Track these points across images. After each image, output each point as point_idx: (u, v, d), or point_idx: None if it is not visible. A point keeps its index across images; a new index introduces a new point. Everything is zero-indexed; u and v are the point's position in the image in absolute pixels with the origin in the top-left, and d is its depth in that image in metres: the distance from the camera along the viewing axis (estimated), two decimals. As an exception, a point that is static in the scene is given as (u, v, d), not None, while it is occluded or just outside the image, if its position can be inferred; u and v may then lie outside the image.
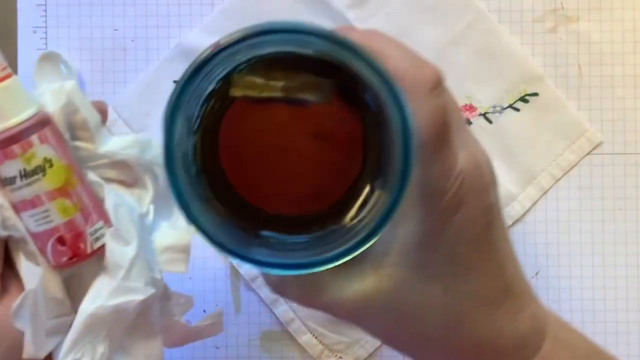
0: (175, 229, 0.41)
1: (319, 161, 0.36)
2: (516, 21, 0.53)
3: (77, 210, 0.37)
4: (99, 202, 0.39)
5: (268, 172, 0.35)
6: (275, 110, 0.35)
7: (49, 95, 0.38)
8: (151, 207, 0.40)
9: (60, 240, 0.37)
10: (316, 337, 0.53)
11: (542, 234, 0.53)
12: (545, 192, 0.53)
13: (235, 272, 0.53)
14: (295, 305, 0.53)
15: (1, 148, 0.36)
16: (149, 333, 0.40)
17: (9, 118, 0.36)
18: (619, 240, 0.53)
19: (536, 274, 0.53)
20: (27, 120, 0.36)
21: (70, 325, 0.38)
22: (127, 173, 0.40)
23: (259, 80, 0.34)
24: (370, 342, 0.53)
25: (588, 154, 0.53)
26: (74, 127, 0.39)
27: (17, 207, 0.37)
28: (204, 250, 0.53)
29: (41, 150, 0.36)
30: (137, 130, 0.53)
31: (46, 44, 0.54)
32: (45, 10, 0.54)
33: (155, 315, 0.40)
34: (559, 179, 0.53)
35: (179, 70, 0.54)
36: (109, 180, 0.40)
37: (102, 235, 0.38)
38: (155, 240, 0.40)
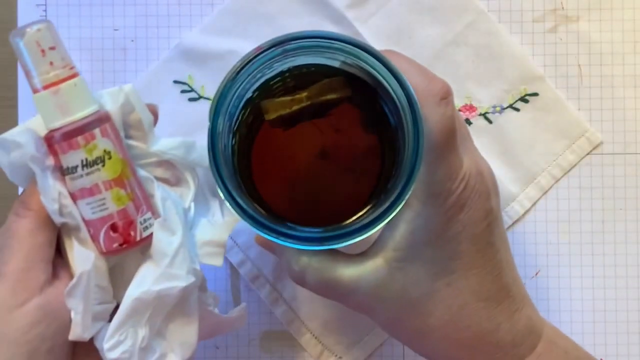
0: (213, 226, 0.44)
1: (339, 184, 0.40)
2: (516, 21, 0.53)
3: (130, 200, 0.40)
4: (147, 195, 0.42)
5: (292, 192, 0.40)
6: (301, 134, 0.40)
7: (108, 95, 0.41)
8: (192, 205, 0.43)
9: (114, 227, 0.40)
10: (316, 337, 0.53)
11: (542, 234, 0.53)
12: (545, 192, 0.53)
13: (235, 273, 0.53)
14: (295, 305, 0.53)
15: (67, 139, 0.39)
16: (186, 321, 0.42)
17: (75, 112, 0.39)
18: (619, 240, 0.53)
19: (536, 274, 0.53)
20: (90, 115, 0.40)
21: (110, 313, 0.41)
22: (171, 172, 0.43)
23: (285, 99, 0.39)
24: (369, 343, 0.53)
25: (588, 154, 0.53)
26: (128, 126, 0.42)
27: (76, 195, 0.40)
28: (204, 250, 0.53)
29: (102, 143, 0.39)
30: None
31: (46, 44, 0.54)
32: (45, 10, 0.54)
33: (193, 303, 0.42)
34: (559, 179, 0.53)
35: (179, 70, 0.55)
36: (155, 178, 0.43)
37: (150, 225, 0.41)
38: (195, 235, 0.43)
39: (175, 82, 0.53)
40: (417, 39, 0.53)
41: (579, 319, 0.53)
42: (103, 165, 0.39)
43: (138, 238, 0.40)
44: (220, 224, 0.44)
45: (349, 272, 0.39)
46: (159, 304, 0.40)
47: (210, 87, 0.53)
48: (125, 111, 0.41)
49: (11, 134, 0.40)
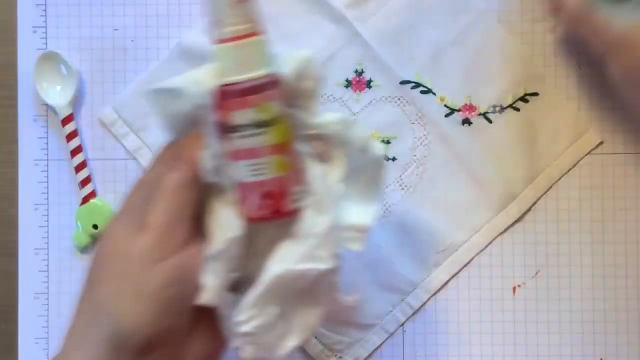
0: (357, 210, 0.42)
1: None
2: (516, 21, 0.53)
3: (289, 169, 0.38)
4: (302, 169, 0.40)
5: None
6: None
7: (285, 59, 0.39)
8: (341, 186, 0.41)
9: (267, 194, 0.38)
10: (316, 337, 0.53)
11: (542, 234, 0.53)
12: (546, 192, 0.53)
13: (235, 272, 0.53)
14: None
15: (242, 96, 0.37)
16: (313, 303, 0.40)
17: (254, 70, 0.37)
18: (619, 240, 0.53)
19: (536, 274, 0.53)
20: (268, 76, 0.38)
21: (230, 283, 0.39)
22: (325, 148, 0.41)
23: None
24: (370, 342, 0.53)
25: (588, 154, 0.53)
26: (296, 94, 0.40)
27: (236, 155, 0.38)
28: (204, 250, 0.53)
29: (274, 106, 0.37)
30: (136, 130, 0.53)
31: (46, 44, 0.54)
32: (45, 10, 0.54)
33: (324, 287, 0.40)
34: (559, 179, 0.53)
35: (179, 70, 0.55)
36: (308, 152, 0.41)
37: (300, 200, 0.39)
38: (339, 218, 0.41)
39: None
40: (417, 39, 0.53)
41: (579, 319, 0.53)
42: (271, 129, 0.37)
43: (288, 210, 0.39)
44: (365, 210, 0.42)
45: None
46: (295, 284, 0.39)
47: (210, 87, 0.53)
48: (297, 78, 0.39)
49: (177, 83, 0.38)
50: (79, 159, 0.53)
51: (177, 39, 0.54)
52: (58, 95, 0.53)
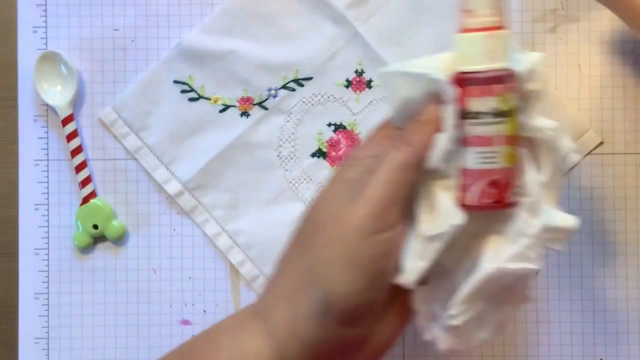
0: (558, 212, 0.42)
1: None
2: (516, 21, 0.53)
3: (515, 162, 0.39)
4: (520, 167, 0.40)
5: None
6: None
7: (518, 56, 0.40)
8: (541, 192, 0.41)
9: (494, 183, 0.39)
10: (316, 337, 0.53)
11: (542, 234, 0.53)
12: (545, 192, 0.53)
13: (235, 272, 0.53)
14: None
15: (486, 84, 0.38)
16: (507, 300, 0.41)
17: (498, 62, 0.38)
18: (619, 240, 0.53)
19: (536, 273, 0.53)
20: (508, 69, 0.39)
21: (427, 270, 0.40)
22: (529, 152, 0.41)
23: None
24: (370, 342, 0.53)
25: (588, 154, 0.53)
26: (521, 93, 0.40)
27: (467, 141, 0.39)
28: (204, 250, 0.53)
29: (513, 98, 0.39)
30: (136, 130, 0.53)
31: (46, 44, 0.54)
32: (45, 10, 0.54)
33: (520, 285, 0.41)
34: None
35: (179, 70, 0.55)
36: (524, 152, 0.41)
37: (518, 194, 0.39)
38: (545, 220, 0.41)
39: (175, 82, 0.53)
40: (417, 39, 0.53)
41: (579, 319, 0.53)
42: (508, 120, 0.38)
43: (509, 201, 0.39)
44: (562, 213, 0.42)
45: None
46: (501, 280, 0.40)
47: (210, 87, 0.53)
48: (526, 78, 0.40)
49: (414, 68, 0.39)
50: (79, 159, 0.53)
51: (177, 39, 0.54)
52: (58, 95, 0.53)
